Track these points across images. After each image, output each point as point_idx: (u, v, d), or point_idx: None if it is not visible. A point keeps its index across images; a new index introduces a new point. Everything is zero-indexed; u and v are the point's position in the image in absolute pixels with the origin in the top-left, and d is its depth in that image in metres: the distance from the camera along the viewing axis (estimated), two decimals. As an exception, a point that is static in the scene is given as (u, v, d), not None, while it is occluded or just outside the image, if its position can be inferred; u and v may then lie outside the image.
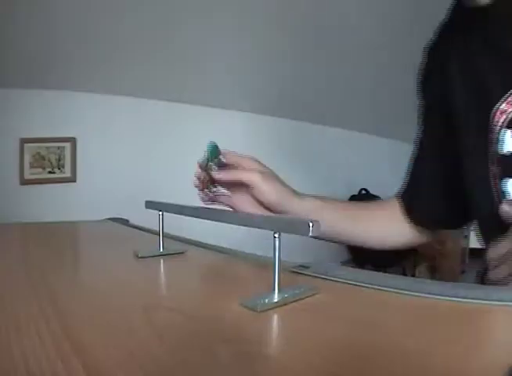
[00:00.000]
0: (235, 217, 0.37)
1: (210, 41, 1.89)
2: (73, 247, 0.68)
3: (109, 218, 0.96)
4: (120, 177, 2.01)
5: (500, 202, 0.47)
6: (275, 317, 0.28)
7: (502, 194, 0.47)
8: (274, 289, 0.31)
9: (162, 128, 2.18)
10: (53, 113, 1.89)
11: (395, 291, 0.33)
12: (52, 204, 1.87)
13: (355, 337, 0.25)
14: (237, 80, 2.16)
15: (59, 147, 1.92)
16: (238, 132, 2.40)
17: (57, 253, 0.57)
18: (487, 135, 0.49)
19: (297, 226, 0.29)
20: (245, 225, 0.35)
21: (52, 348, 0.22)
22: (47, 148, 1.90)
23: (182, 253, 0.51)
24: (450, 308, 0.29)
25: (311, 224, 0.28)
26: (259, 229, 0.33)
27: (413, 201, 0.63)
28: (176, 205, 0.50)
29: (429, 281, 0.35)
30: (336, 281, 0.37)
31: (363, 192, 2.81)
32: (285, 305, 0.30)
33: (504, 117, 0.47)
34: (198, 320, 0.28)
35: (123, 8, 1.60)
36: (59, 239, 0.73)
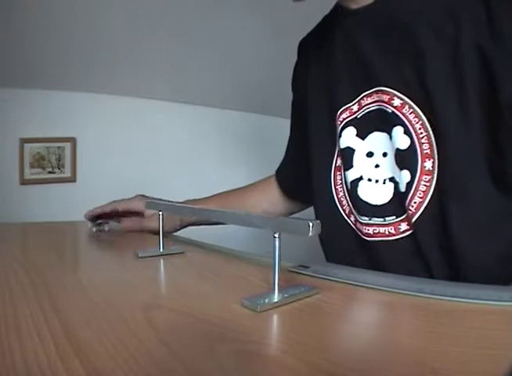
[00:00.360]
0: (235, 217, 0.37)
1: (211, 41, 1.89)
2: (73, 247, 0.68)
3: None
4: (120, 177, 2.01)
5: (337, 193, 0.55)
6: (275, 317, 0.28)
7: (346, 184, 0.53)
8: (274, 289, 0.31)
9: (162, 128, 2.18)
10: (53, 113, 1.89)
11: (395, 291, 0.33)
12: (52, 204, 1.87)
13: (355, 337, 0.25)
14: (237, 80, 2.16)
15: (59, 147, 1.92)
16: (238, 132, 2.40)
17: (57, 253, 0.57)
18: (334, 131, 0.55)
19: (297, 226, 0.29)
20: (245, 225, 0.35)
21: (52, 348, 0.22)
22: (47, 148, 1.90)
23: (182, 253, 0.51)
24: (450, 308, 0.29)
25: (311, 224, 0.28)
26: (259, 229, 0.33)
27: (284, 176, 0.78)
28: (176, 205, 0.50)
29: (429, 281, 0.35)
30: (336, 281, 0.37)
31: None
32: (285, 305, 0.30)
33: (348, 114, 0.53)
34: (198, 320, 0.28)
35: (123, 8, 1.60)
36: (59, 239, 0.73)
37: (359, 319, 0.28)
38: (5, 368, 0.20)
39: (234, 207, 0.77)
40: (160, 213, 0.51)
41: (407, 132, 0.46)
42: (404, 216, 0.47)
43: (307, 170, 0.62)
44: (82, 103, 1.96)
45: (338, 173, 0.55)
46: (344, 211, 0.55)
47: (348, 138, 0.52)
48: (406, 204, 0.46)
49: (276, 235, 0.31)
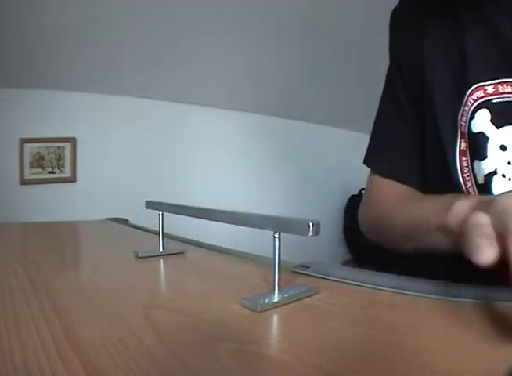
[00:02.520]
0: (235, 217, 0.37)
1: (210, 41, 1.89)
2: (73, 247, 0.68)
3: (109, 218, 0.96)
4: (120, 177, 2.01)
5: (465, 183, 0.46)
6: (275, 317, 0.28)
7: (475, 176, 0.46)
8: (274, 289, 0.31)
9: (162, 128, 2.18)
10: (53, 113, 1.89)
11: (395, 290, 0.33)
12: (52, 204, 1.87)
13: (355, 337, 0.25)
14: (237, 80, 2.16)
15: (59, 147, 1.92)
16: (237, 132, 2.40)
17: (57, 253, 0.57)
18: (459, 109, 0.47)
19: (297, 226, 0.29)
20: (245, 226, 0.35)
21: (52, 348, 0.22)
22: (47, 148, 1.90)
23: (182, 253, 0.51)
24: (450, 308, 0.29)
25: (311, 224, 0.28)
26: (259, 229, 0.33)
27: (403, 171, 0.56)
28: (176, 205, 0.50)
29: (429, 281, 0.35)
30: (336, 281, 0.37)
31: (363, 192, 2.81)
32: (285, 305, 0.30)
33: (482, 94, 0.45)
34: (198, 320, 0.28)
35: (124, 8, 1.60)
36: (59, 239, 0.73)
37: (359, 320, 0.28)
38: (5, 368, 0.20)
39: None
40: (160, 213, 0.51)
41: None
42: None
43: (417, 152, 0.52)
44: (82, 103, 1.96)
45: (464, 159, 0.47)
46: None
47: (483, 122, 0.45)
48: None
49: (276, 235, 0.31)
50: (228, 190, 2.30)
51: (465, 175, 0.47)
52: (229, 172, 2.33)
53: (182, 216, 0.45)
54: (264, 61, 2.10)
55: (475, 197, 0.41)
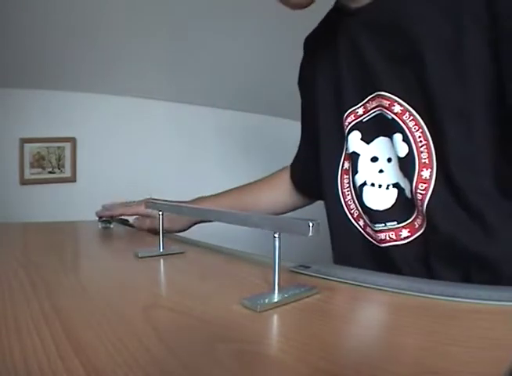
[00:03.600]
0: (235, 217, 0.37)
1: (210, 41, 1.89)
2: (73, 247, 0.68)
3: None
4: (120, 177, 2.01)
5: (344, 196, 0.55)
6: (275, 317, 0.28)
7: (355, 189, 0.53)
8: (274, 289, 0.31)
9: (162, 128, 2.18)
10: (53, 113, 1.89)
11: (395, 290, 0.33)
12: (52, 204, 1.87)
13: (356, 337, 0.25)
14: (237, 80, 2.16)
15: (59, 147, 1.92)
16: (238, 132, 2.40)
17: (57, 253, 0.57)
18: (341, 134, 0.55)
19: (297, 226, 0.29)
20: (245, 226, 0.35)
21: (52, 347, 0.22)
22: (47, 148, 1.90)
23: (182, 253, 0.51)
24: (450, 308, 0.29)
25: (311, 224, 0.28)
26: (259, 229, 0.33)
27: (299, 173, 0.76)
28: (176, 205, 0.50)
29: (429, 281, 0.35)
30: (336, 281, 0.37)
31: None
32: (285, 305, 0.30)
33: (353, 118, 0.52)
34: (198, 320, 0.28)
35: (123, 9, 1.60)
36: (59, 239, 0.73)
37: (359, 320, 0.28)
38: (5, 368, 0.20)
39: (245, 203, 0.78)
40: (160, 213, 0.51)
41: (406, 140, 0.45)
42: (406, 222, 0.47)
43: (317, 167, 0.61)
44: (82, 103, 1.96)
45: (346, 176, 0.55)
46: (351, 215, 0.55)
47: (354, 142, 0.52)
48: (416, 210, 0.46)
49: (276, 235, 0.31)
50: (228, 190, 2.30)
51: (345, 190, 0.55)
52: (229, 172, 2.32)
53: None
54: (267, 62, 2.10)
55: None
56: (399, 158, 0.46)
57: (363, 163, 0.51)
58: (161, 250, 0.50)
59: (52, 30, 1.59)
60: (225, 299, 0.32)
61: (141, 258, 0.48)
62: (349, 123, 0.53)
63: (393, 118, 0.46)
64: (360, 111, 0.51)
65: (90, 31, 1.65)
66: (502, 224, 0.41)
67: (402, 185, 0.47)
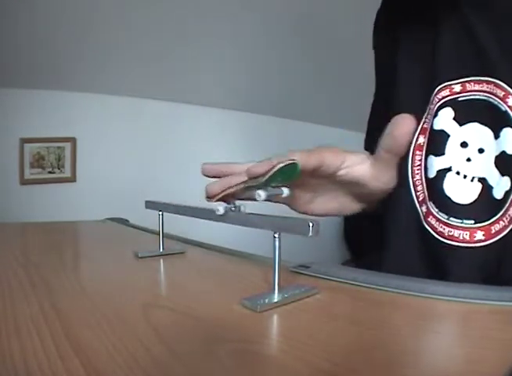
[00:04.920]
0: (235, 217, 0.37)
1: (210, 41, 1.89)
2: (73, 247, 0.68)
3: (109, 218, 0.96)
4: (120, 177, 2.01)
5: (413, 175, 0.48)
6: (275, 317, 0.28)
7: (426, 169, 0.47)
8: (274, 289, 0.31)
9: (162, 128, 2.18)
10: (53, 113, 1.89)
11: (395, 291, 0.33)
12: (52, 204, 1.87)
13: (356, 337, 0.25)
14: (237, 80, 2.16)
15: (59, 147, 1.92)
16: (237, 132, 2.40)
17: (57, 253, 0.57)
18: (423, 106, 0.48)
19: (297, 226, 0.29)
20: (245, 226, 0.35)
21: (52, 348, 0.22)
22: (47, 148, 1.90)
23: (182, 253, 0.51)
24: (450, 308, 0.29)
25: (311, 224, 0.28)
26: (259, 229, 0.33)
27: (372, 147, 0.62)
28: (176, 205, 0.50)
29: (429, 281, 0.35)
30: (336, 281, 0.37)
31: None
32: (285, 305, 0.30)
33: (448, 93, 0.46)
34: (198, 320, 0.28)
35: (123, 8, 1.60)
36: (59, 239, 0.73)
37: (360, 320, 0.28)
38: (5, 368, 0.20)
39: None
40: (160, 213, 0.51)
41: None
42: (483, 224, 0.42)
43: None
44: (82, 103, 1.96)
45: (418, 152, 0.49)
46: (417, 197, 0.48)
47: (445, 120, 0.46)
48: (500, 214, 0.41)
49: (276, 235, 0.31)
50: (228, 190, 2.30)
51: (415, 168, 0.48)
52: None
53: (182, 216, 0.45)
54: (266, 61, 2.10)
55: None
56: (505, 154, 0.41)
57: (452, 146, 0.45)
58: (161, 250, 0.50)
59: (52, 30, 1.59)
60: (225, 299, 0.32)
61: (141, 258, 0.48)
62: (442, 97, 0.47)
63: (506, 111, 0.41)
64: (457, 88, 0.46)
65: (90, 31, 1.65)
66: None
67: (491, 182, 0.42)
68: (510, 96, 0.41)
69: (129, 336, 0.24)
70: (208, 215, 0.43)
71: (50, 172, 1.91)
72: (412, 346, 0.23)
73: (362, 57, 2.28)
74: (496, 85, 0.42)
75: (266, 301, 0.30)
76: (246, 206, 0.40)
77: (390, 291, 0.33)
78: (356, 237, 2.66)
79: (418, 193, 0.48)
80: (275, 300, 0.30)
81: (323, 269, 0.39)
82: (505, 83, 0.42)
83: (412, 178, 0.49)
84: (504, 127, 0.42)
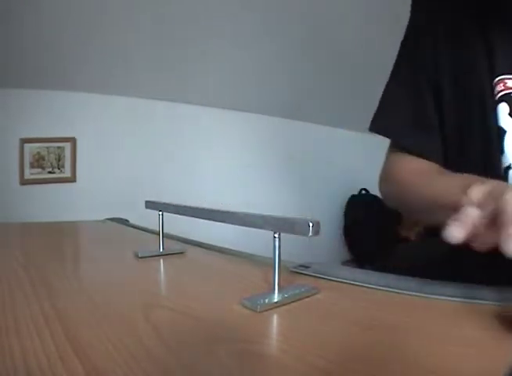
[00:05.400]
0: (235, 217, 0.37)
1: (210, 41, 1.89)
2: (73, 247, 0.68)
3: (109, 218, 0.96)
4: (120, 177, 2.01)
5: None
6: (275, 317, 0.28)
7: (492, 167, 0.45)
8: (274, 289, 0.31)
9: (162, 128, 2.18)
10: (53, 113, 1.89)
11: (395, 290, 0.33)
12: (52, 204, 1.87)
13: (355, 336, 0.25)
14: (237, 80, 2.16)
15: (59, 147, 1.92)
16: (237, 132, 2.40)
17: (57, 253, 0.57)
18: (485, 100, 0.46)
19: (297, 226, 0.29)
20: (245, 226, 0.35)
21: (52, 348, 0.22)
22: (47, 148, 1.90)
23: (182, 253, 0.51)
24: (450, 308, 0.29)
25: (311, 224, 0.28)
26: (259, 229, 0.33)
27: (433, 150, 0.53)
28: (176, 205, 0.50)
29: (429, 281, 0.35)
30: (336, 281, 0.37)
31: (363, 192, 2.81)
32: (285, 305, 0.30)
33: (502, 87, 0.45)
34: (198, 320, 0.28)
35: (123, 8, 1.60)
36: (58, 239, 0.73)
37: (359, 320, 0.28)
38: (5, 368, 0.20)
39: None
40: (160, 213, 0.51)
41: None
42: None
43: (437, 127, 0.51)
44: (82, 103, 1.96)
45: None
46: None
47: (502, 115, 0.45)
48: None
49: (276, 235, 0.31)
50: (228, 190, 2.30)
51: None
52: (229, 172, 2.33)
53: (182, 216, 0.45)
54: (266, 61, 2.10)
55: (494, 183, 0.36)
56: None
57: (510, 142, 0.44)
58: (161, 250, 0.50)
59: (53, 30, 1.59)
60: (225, 299, 0.32)
61: (141, 258, 0.48)
62: (498, 92, 0.45)
63: None
64: (510, 83, 0.45)
65: (90, 32, 1.65)
66: None
67: None
68: None
69: (129, 336, 0.24)
70: (208, 215, 0.43)
71: (50, 172, 1.91)
72: (411, 346, 0.23)
73: (362, 57, 2.27)
74: None
75: (266, 301, 0.30)
76: (246, 206, 0.40)
77: (390, 291, 0.33)
78: (356, 237, 2.65)
79: None
80: (275, 300, 0.30)
81: (323, 269, 0.39)
82: None
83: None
84: None
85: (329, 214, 2.72)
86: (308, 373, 0.20)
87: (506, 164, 0.44)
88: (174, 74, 2.03)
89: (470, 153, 0.48)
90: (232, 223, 0.37)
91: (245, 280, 0.39)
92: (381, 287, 0.33)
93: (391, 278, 0.35)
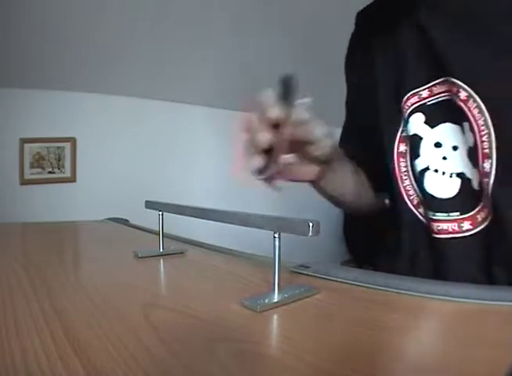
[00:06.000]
0: (235, 217, 0.37)
1: (211, 41, 1.89)
2: (73, 247, 0.68)
3: (109, 218, 0.96)
4: (119, 177, 2.01)
5: (402, 181, 0.52)
6: (275, 317, 0.28)
7: (414, 174, 0.50)
8: (274, 289, 0.31)
9: (162, 128, 2.18)
10: (53, 113, 1.89)
11: (395, 291, 0.33)
12: (52, 204, 1.87)
13: (355, 337, 0.25)
14: (237, 80, 2.16)
15: (59, 147, 1.92)
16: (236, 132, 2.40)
17: (57, 253, 0.57)
18: (396, 115, 0.52)
19: (297, 226, 0.29)
20: (245, 226, 0.35)
21: (52, 348, 0.22)
22: (47, 148, 1.90)
23: (182, 253, 0.51)
24: (450, 308, 0.29)
25: (311, 224, 0.28)
26: (259, 229, 0.33)
27: (359, 159, 0.65)
28: (176, 205, 0.50)
29: (429, 281, 0.35)
30: (336, 281, 0.37)
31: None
32: (285, 305, 0.30)
33: (417, 99, 0.50)
34: (198, 320, 0.28)
35: (123, 8, 1.60)
36: (58, 239, 0.73)
37: (359, 320, 0.28)
38: (5, 368, 0.20)
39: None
40: (160, 213, 0.51)
41: (471, 129, 0.43)
42: (469, 214, 0.46)
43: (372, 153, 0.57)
44: (82, 103, 1.96)
45: (402, 160, 0.52)
46: (410, 201, 0.52)
47: (416, 124, 0.50)
48: (482, 203, 0.44)
49: (276, 235, 0.31)
50: (228, 190, 2.30)
51: (402, 174, 0.52)
52: (229, 172, 2.33)
53: (182, 216, 0.45)
54: (266, 61, 2.10)
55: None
56: (469, 147, 0.45)
57: (426, 147, 0.49)
58: (161, 250, 0.50)
59: (53, 30, 1.59)
60: (225, 299, 0.32)
61: (141, 258, 0.48)
62: (412, 104, 0.50)
63: (460, 105, 0.45)
64: (424, 94, 0.49)
65: (90, 31, 1.66)
66: None
67: (469, 175, 0.46)
68: (460, 90, 0.44)
69: (129, 336, 0.24)
70: (208, 215, 0.43)
71: (50, 172, 1.91)
72: (411, 346, 0.23)
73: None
74: (452, 84, 0.45)
75: (266, 301, 0.30)
76: (246, 206, 0.40)
77: (390, 291, 0.33)
78: (356, 237, 2.65)
79: (411, 198, 0.52)
80: (275, 300, 0.30)
81: (323, 269, 0.39)
82: (458, 79, 0.45)
83: (402, 183, 0.52)
84: (463, 121, 0.45)
85: (329, 214, 2.72)
86: (308, 373, 0.20)
87: (423, 167, 0.49)
88: (174, 74, 2.03)
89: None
90: (232, 223, 0.37)
91: (245, 280, 0.39)
92: (381, 287, 0.33)
93: (391, 278, 0.35)
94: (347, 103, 0.68)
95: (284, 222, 0.31)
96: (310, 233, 0.28)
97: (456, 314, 0.28)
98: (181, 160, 2.22)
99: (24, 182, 1.84)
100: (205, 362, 0.21)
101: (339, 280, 0.37)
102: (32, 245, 0.66)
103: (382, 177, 0.57)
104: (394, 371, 0.20)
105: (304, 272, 0.40)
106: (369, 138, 0.58)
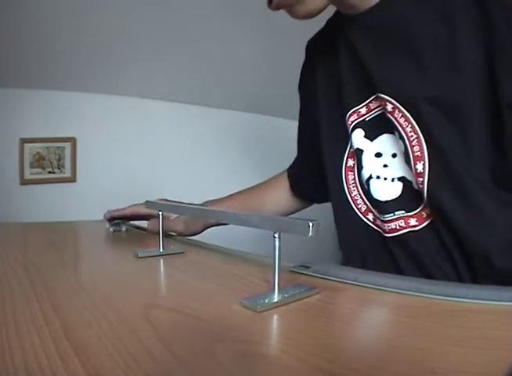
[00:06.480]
0: (235, 217, 0.37)
1: (211, 41, 1.89)
2: (73, 247, 0.68)
3: (109, 218, 0.95)
4: (120, 177, 2.01)
5: (350, 192, 0.57)
6: (275, 317, 0.28)
7: (361, 184, 0.56)
8: (274, 289, 0.31)
9: (162, 128, 2.18)
10: (53, 113, 1.89)
11: (395, 291, 0.33)
12: (52, 204, 1.87)
13: (355, 337, 0.25)
14: (236, 80, 2.16)
15: (59, 147, 1.92)
16: (238, 132, 2.40)
17: (57, 253, 0.57)
18: (344, 133, 0.57)
19: (297, 226, 0.29)
20: (245, 226, 0.35)
21: (52, 347, 0.22)
22: (47, 148, 1.90)
23: (182, 253, 0.51)
24: (450, 308, 0.29)
25: (311, 224, 0.28)
26: (259, 229, 0.33)
27: (296, 180, 0.80)
28: (176, 205, 0.50)
29: (429, 281, 0.35)
30: (336, 281, 0.37)
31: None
32: (285, 305, 0.30)
33: (356, 117, 0.55)
34: (198, 320, 0.28)
35: (123, 8, 1.60)
36: (58, 239, 0.73)
37: (359, 319, 0.28)
38: (5, 368, 0.20)
39: (251, 206, 0.81)
40: (160, 213, 0.51)
41: (401, 137, 0.48)
42: (414, 212, 0.50)
43: (318, 169, 0.64)
44: (82, 103, 1.95)
45: (350, 173, 0.58)
46: (359, 209, 0.57)
47: (358, 139, 0.55)
48: (425, 201, 0.48)
49: (276, 235, 0.31)
50: (228, 190, 2.30)
51: (350, 186, 0.58)
52: (229, 172, 2.33)
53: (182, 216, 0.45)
54: (266, 62, 2.10)
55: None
56: (404, 153, 0.49)
57: (367, 158, 0.54)
58: (161, 250, 0.50)
59: (53, 30, 1.59)
60: (225, 299, 0.32)
61: (141, 258, 0.48)
62: (352, 122, 0.55)
63: (389, 117, 0.49)
64: (363, 111, 0.54)
65: (90, 31, 1.65)
66: (497, 211, 0.42)
67: (409, 178, 0.50)
68: (387, 103, 0.49)
69: (129, 336, 0.24)
70: (208, 215, 0.43)
71: (50, 172, 1.91)
72: (411, 346, 0.23)
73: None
74: (381, 98, 0.49)
75: (266, 301, 0.30)
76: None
77: (389, 291, 0.33)
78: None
79: (359, 206, 0.57)
80: (275, 300, 0.30)
81: (323, 269, 0.39)
82: (384, 93, 0.49)
83: (350, 194, 0.58)
84: (395, 131, 0.49)
85: (329, 214, 2.72)
86: (308, 373, 0.20)
87: (367, 176, 0.54)
88: (174, 75, 2.03)
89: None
90: (233, 223, 0.37)
91: (245, 280, 0.39)
92: (381, 287, 0.33)
93: (390, 278, 0.35)
94: (298, 127, 0.78)
95: (284, 222, 0.31)
96: (310, 233, 0.28)
97: (456, 314, 0.28)
98: (181, 161, 2.22)
99: (24, 182, 1.84)
100: (205, 362, 0.21)
101: (339, 280, 0.37)
102: (32, 245, 0.66)
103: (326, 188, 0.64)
104: (394, 371, 0.20)
105: (304, 272, 0.40)
106: (314, 158, 0.65)
